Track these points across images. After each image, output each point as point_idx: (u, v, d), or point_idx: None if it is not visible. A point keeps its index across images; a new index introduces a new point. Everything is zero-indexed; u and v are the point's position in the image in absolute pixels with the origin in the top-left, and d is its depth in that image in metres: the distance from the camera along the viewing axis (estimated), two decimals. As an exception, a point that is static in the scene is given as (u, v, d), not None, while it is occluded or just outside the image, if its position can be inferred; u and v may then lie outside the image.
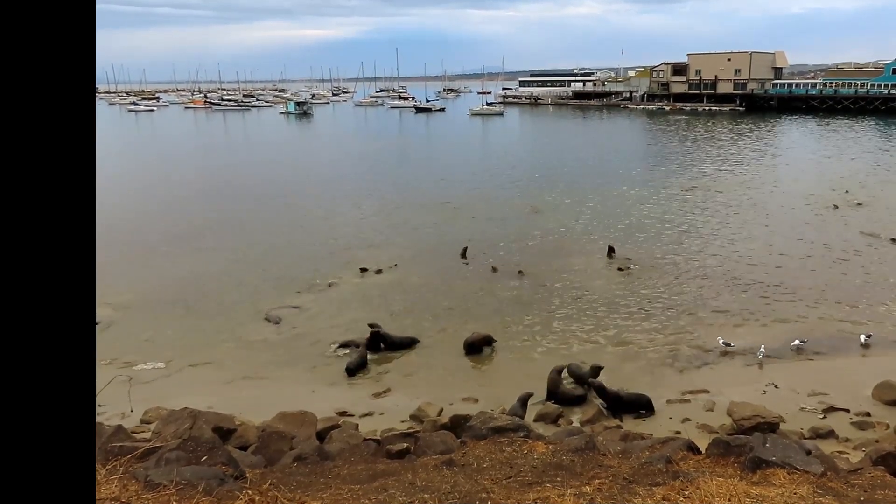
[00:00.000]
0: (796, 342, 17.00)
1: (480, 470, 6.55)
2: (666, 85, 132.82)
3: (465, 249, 26.93)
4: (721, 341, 17.20)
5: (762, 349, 16.66)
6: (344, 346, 17.97)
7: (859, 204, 35.42)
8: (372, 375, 16.33)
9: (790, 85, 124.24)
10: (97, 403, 9.25)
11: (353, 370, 16.33)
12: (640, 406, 13.78)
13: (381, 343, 17.68)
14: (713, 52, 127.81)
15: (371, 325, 17.96)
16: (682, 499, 5.42)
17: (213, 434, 8.66)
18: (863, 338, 17.38)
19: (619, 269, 24.25)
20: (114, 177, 46.25)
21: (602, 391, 13.95)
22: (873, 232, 29.43)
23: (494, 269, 24.66)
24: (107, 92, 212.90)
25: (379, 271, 24.70)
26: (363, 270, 24.53)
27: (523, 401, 13.17)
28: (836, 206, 34.63)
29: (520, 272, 24.07)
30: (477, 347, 17.46)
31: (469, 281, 23.75)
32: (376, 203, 38.60)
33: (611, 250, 26.44)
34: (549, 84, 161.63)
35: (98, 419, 11.15)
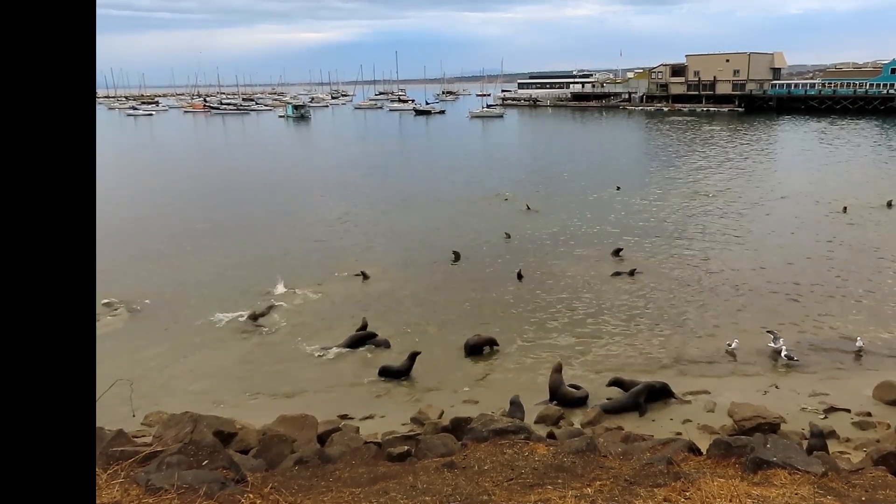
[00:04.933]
0: (784, 355, 16.49)
1: (481, 472, 6.55)
2: (665, 86, 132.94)
3: (457, 254, 26.56)
4: (732, 344, 17.16)
5: (734, 343, 17.00)
6: (341, 346, 18.05)
7: (871, 208, 34.73)
8: (372, 378, 16.31)
9: (789, 85, 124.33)
10: (97, 408, 9.22)
11: (385, 372, 16.29)
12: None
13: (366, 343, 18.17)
14: (711, 52, 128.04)
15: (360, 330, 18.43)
16: (683, 500, 5.42)
17: (214, 438, 8.66)
18: (860, 340, 17.30)
19: (619, 273, 24.17)
20: (112, 180, 46.26)
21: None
22: (881, 234, 29.26)
23: (492, 272, 24.62)
24: (106, 96, 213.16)
25: (375, 274, 24.67)
26: (364, 276, 24.44)
27: (516, 403, 13.09)
28: (845, 210, 33.90)
29: (518, 273, 24.07)
30: (478, 349, 17.43)
31: (468, 283, 23.72)
32: (373, 206, 38.58)
33: (616, 251, 26.59)
34: (547, 86, 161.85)
35: (99, 423, 11.13)
